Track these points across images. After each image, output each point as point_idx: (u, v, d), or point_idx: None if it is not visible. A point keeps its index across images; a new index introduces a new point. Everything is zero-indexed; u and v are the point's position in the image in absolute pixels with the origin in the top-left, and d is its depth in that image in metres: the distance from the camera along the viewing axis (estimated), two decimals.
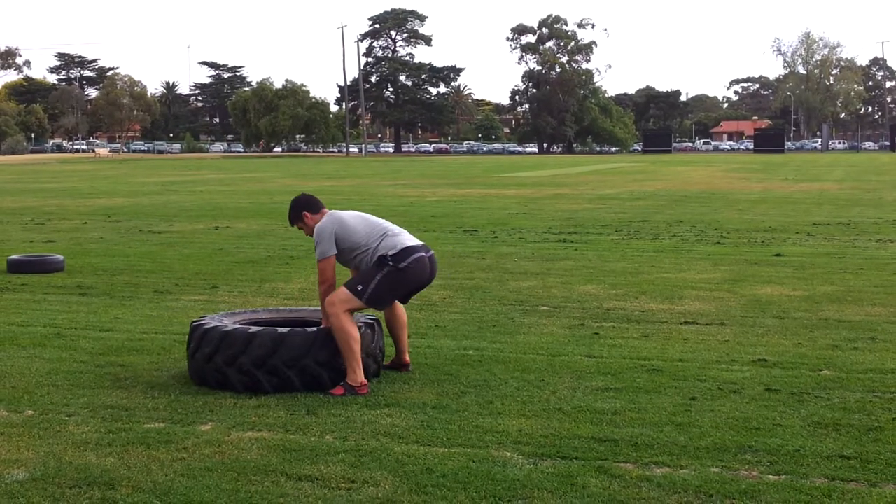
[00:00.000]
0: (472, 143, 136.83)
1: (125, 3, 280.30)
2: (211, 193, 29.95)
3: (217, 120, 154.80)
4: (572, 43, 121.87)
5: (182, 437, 5.26)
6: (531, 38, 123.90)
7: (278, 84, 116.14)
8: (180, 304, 9.59)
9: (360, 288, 6.23)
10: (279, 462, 4.86)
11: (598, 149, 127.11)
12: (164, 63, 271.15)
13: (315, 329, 6.29)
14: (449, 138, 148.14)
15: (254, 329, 6.21)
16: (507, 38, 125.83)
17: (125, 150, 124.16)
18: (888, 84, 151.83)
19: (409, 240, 6.44)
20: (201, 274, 11.71)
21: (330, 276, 6.33)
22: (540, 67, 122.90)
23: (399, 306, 6.67)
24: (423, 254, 6.42)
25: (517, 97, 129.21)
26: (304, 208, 6.67)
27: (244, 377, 6.09)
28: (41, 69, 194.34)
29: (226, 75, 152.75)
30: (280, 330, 6.19)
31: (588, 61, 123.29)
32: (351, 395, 6.00)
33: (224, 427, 5.45)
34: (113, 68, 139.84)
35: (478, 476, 4.65)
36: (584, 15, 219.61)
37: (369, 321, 6.49)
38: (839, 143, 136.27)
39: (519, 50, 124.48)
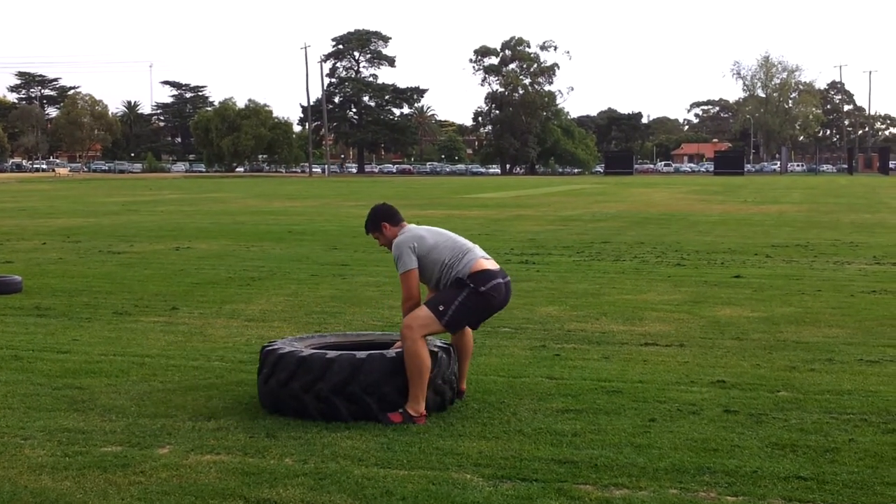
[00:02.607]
0: (436, 163, 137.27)
1: (87, 22, 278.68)
2: (172, 214, 29.76)
3: (179, 140, 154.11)
4: (535, 65, 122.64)
5: (139, 460, 5.20)
6: (494, 60, 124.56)
7: (241, 104, 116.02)
8: (139, 325, 9.51)
9: (441, 308, 6.09)
10: (238, 485, 4.83)
11: (560, 170, 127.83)
12: (126, 82, 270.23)
13: (394, 353, 6.09)
14: (412, 159, 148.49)
15: (332, 354, 6.01)
16: (471, 60, 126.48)
17: (86, 169, 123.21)
18: (846, 107, 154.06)
19: (487, 261, 6.28)
20: (161, 295, 11.62)
21: (415, 291, 6.20)
22: (503, 89, 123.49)
23: (468, 332, 6.51)
24: (501, 280, 6.27)
25: (480, 118, 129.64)
26: (384, 218, 6.45)
27: (322, 404, 5.91)
28: (1, 88, 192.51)
29: (188, 95, 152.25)
30: (359, 355, 5.99)
31: (551, 83, 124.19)
32: (406, 423, 5.84)
33: (182, 450, 5.40)
34: (74, 87, 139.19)
35: (437, 498, 4.64)
36: (547, 37, 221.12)
37: (444, 346, 6.31)
38: (798, 165, 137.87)
39: (482, 71, 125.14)
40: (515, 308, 10.54)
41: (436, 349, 6.18)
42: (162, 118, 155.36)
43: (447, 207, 33.88)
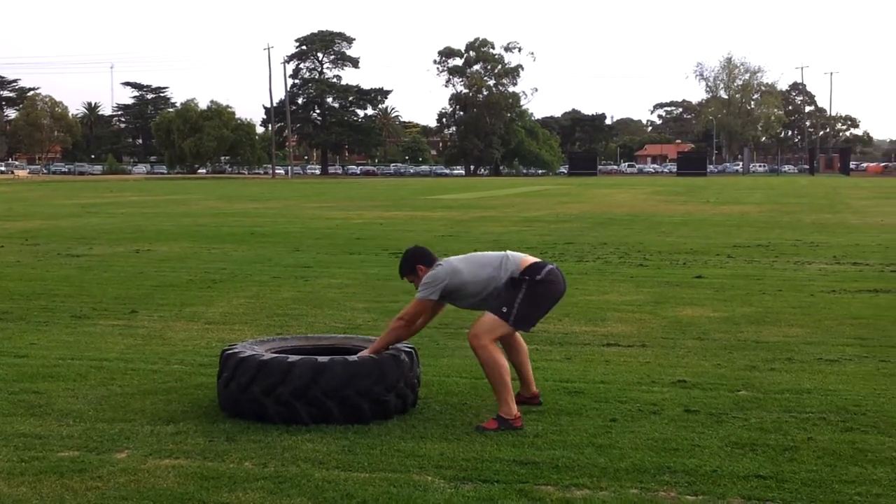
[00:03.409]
0: (400, 165, 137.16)
1: (47, 23, 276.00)
2: (132, 216, 29.51)
3: (140, 141, 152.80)
4: (499, 66, 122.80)
5: (97, 465, 5.14)
6: (458, 62, 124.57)
7: (203, 105, 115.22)
8: (98, 329, 9.41)
9: (504, 310, 6.01)
10: (196, 490, 4.78)
11: (524, 171, 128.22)
12: (87, 84, 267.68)
13: (356, 358, 6.04)
14: (376, 160, 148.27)
15: (293, 358, 5.96)
16: (435, 61, 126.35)
17: (45, 171, 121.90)
18: (807, 109, 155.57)
19: (530, 257, 6.26)
20: (120, 298, 11.51)
21: (414, 318, 6.14)
22: (467, 90, 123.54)
23: (519, 340, 6.43)
24: (552, 266, 6.25)
25: (444, 120, 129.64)
26: (418, 261, 6.32)
27: (282, 408, 5.86)
28: None
29: (149, 96, 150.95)
30: (320, 359, 5.95)
31: (515, 84, 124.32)
32: (502, 429, 5.77)
33: (140, 455, 5.34)
34: (33, 88, 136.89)
35: (398, 501, 4.62)
36: (511, 39, 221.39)
37: (408, 349, 6.25)
38: (760, 166, 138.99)
39: (446, 73, 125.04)
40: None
41: (397, 352, 6.14)
42: (123, 119, 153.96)
43: (411, 209, 33.85)
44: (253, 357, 6.01)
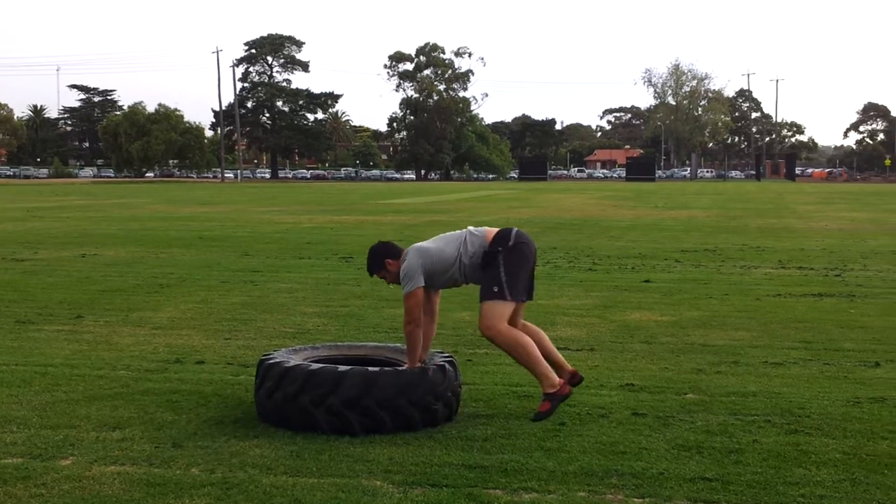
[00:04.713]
0: (350, 169, 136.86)
1: None
2: (78, 220, 29.15)
3: (87, 144, 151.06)
4: (450, 71, 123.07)
5: (41, 472, 5.07)
6: (409, 66, 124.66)
7: (151, 108, 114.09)
8: (43, 334, 9.28)
9: (496, 289, 6.06)
10: (142, 497, 4.73)
11: (475, 176, 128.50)
12: (32, 86, 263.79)
13: (408, 367, 6.07)
14: (326, 165, 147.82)
15: (343, 368, 5.91)
16: (385, 66, 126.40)
17: None
18: (754, 115, 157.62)
19: (492, 229, 6.30)
20: (66, 303, 11.36)
21: (416, 313, 6.06)
22: (418, 95, 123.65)
23: (530, 327, 6.42)
24: (516, 229, 6.29)
25: (395, 124, 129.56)
26: (386, 255, 6.31)
27: (333, 418, 5.79)
28: None
29: (96, 99, 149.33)
30: (371, 369, 5.93)
31: (465, 89, 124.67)
32: (556, 404, 5.92)
33: (85, 461, 5.28)
34: None
35: None
36: (462, 44, 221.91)
37: (441, 363, 6.16)
38: (707, 171, 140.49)
39: (396, 77, 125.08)
40: None
41: (442, 362, 6.13)
42: (69, 122, 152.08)
43: (362, 213, 33.78)
44: (300, 367, 5.95)
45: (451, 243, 6.25)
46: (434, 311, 6.39)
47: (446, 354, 6.39)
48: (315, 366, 5.98)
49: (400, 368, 6.09)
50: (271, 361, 6.12)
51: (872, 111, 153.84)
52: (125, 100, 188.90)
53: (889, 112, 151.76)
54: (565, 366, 6.49)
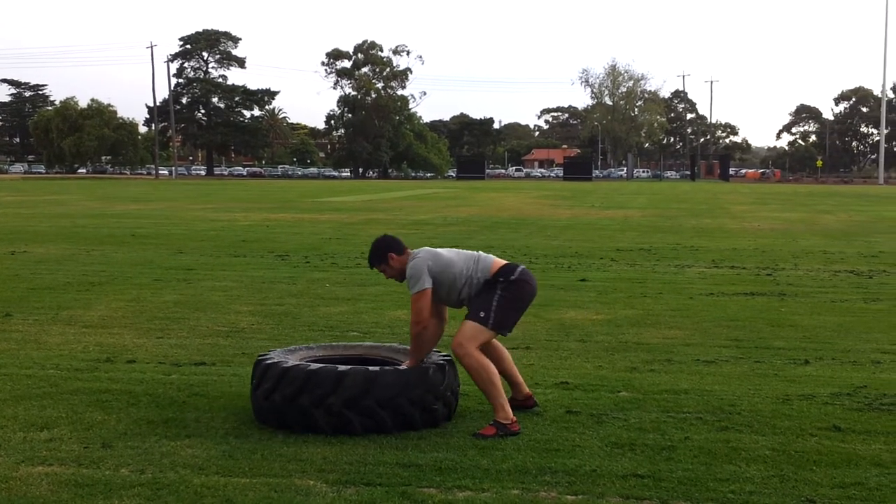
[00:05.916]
0: (287, 167, 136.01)
1: None
2: (8, 216, 28.59)
3: (17, 140, 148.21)
4: (388, 69, 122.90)
5: None
6: (347, 64, 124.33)
7: (84, 103, 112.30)
8: None
9: (482, 315, 5.98)
10: (71, 497, 4.65)
11: (413, 174, 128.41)
12: None
13: (407, 366, 6.00)
14: (263, 162, 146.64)
15: (343, 368, 5.81)
16: (323, 63, 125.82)
17: None
18: (689, 116, 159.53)
19: (500, 260, 6.24)
20: None
21: (425, 314, 5.96)
22: (356, 93, 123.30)
23: (497, 345, 6.33)
24: (522, 267, 6.25)
25: (333, 122, 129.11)
26: (389, 249, 6.25)
27: (333, 418, 5.70)
28: None
29: (27, 94, 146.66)
30: (371, 368, 5.84)
31: (403, 88, 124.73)
32: (503, 436, 5.70)
33: (12, 462, 5.17)
34: None
35: None
36: (400, 42, 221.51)
37: (440, 362, 6.11)
38: (643, 171, 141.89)
39: (334, 75, 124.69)
40: (364, 312, 10.52)
41: (442, 362, 6.08)
42: None
43: (299, 211, 33.58)
44: (299, 367, 5.86)
45: (462, 258, 6.21)
46: (442, 314, 6.33)
47: (444, 354, 6.35)
48: (314, 366, 5.91)
49: (400, 368, 6.03)
50: (268, 362, 6.03)
51: (804, 113, 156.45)
52: (57, 95, 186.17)
53: (821, 114, 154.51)
54: (522, 387, 6.45)
